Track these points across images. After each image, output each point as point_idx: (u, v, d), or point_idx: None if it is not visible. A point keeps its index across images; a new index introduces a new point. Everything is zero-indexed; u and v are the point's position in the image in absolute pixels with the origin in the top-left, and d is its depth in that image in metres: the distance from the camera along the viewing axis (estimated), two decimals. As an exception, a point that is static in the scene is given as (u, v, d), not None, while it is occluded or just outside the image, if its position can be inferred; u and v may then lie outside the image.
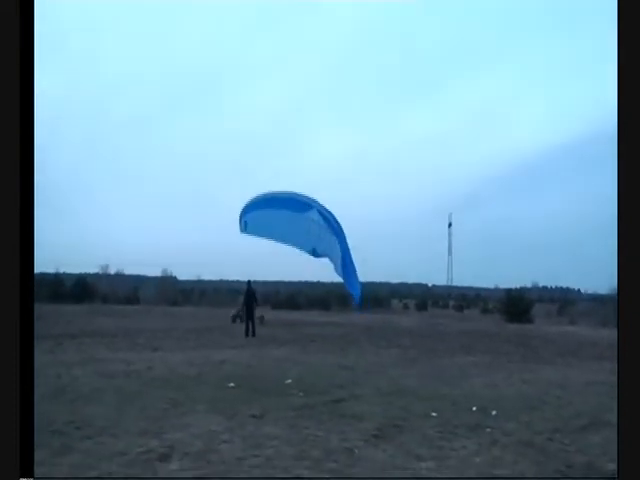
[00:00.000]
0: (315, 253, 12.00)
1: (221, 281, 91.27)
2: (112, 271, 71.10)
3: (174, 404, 8.02)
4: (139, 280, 78.99)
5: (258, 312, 23.59)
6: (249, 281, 21.85)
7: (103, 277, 70.15)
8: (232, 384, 9.61)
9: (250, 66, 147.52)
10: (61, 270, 65.85)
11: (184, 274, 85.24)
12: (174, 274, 76.42)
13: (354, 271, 11.85)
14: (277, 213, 11.84)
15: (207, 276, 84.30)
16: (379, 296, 73.42)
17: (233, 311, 28.13)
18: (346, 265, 11.59)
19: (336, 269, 11.75)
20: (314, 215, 11.56)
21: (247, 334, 20.07)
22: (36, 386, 8.90)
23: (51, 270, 65.05)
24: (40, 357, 13.09)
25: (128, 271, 75.38)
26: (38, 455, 5.41)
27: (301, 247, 12.17)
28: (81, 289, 57.64)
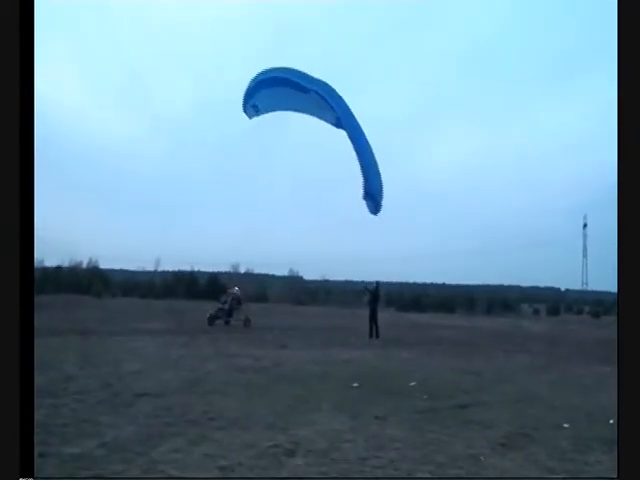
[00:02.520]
0: (339, 123, 11.27)
1: (347, 281, 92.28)
2: (242, 270, 74.19)
3: (300, 401, 8.21)
4: (267, 279, 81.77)
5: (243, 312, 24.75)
6: (377, 282, 21.77)
7: (234, 275, 73.36)
8: (356, 384, 9.67)
9: (376, 69, 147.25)
10: (196, 268, 69.76)
11: (310, 274, 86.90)
12: (300, 274, 78.37)
13: (374, 167, 11.18)
14: (285, 90, 11.10)
15: (333, 276, 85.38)
16: (508, 300, 70.66)
17: (211, 311, 25.32)
18: (366, 159, 11.02)
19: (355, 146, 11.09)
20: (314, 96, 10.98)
21: (371, 335, 20.04)
22: (173, 378, 9.61)
23: (187, 268, 69.04)
24: (177, 350, 13.96)
25: (257, 270, 78.24)
26: (175, 443, 5.78)
27: (324, 118, 11.51)
28: (213, 287, 60.70)
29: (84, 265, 67.32)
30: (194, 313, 29.82)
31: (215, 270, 71.68)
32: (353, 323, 26.65)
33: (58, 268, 65.63)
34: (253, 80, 11.13)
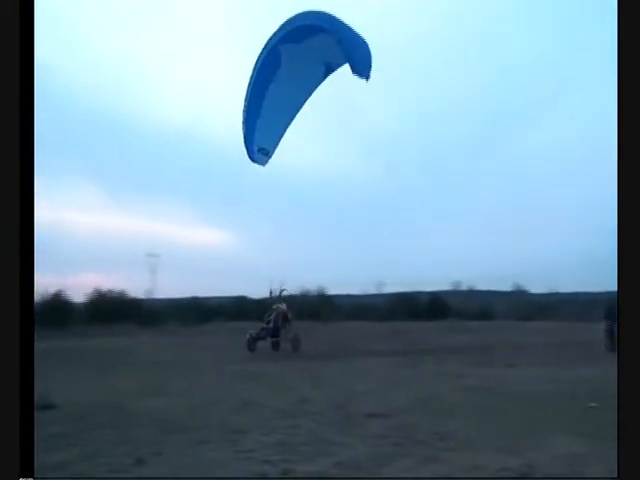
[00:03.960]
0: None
1: (577, 293, 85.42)
2: (464, 287, 72.65)
3: (533, 422, 7.84)
4: (491, 295, 79.01)
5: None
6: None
7: (456, 294, 72.17)
8: (594, 404, 8.93)
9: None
10: (417, 289, 70.01)
11: (537, 287, 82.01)
12: (526, 288, 74.41)
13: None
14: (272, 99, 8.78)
15: (563, 288, 79.50)
16: None
17: (251, 331, 21.28)
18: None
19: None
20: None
21: (609, 349, 18.44)
22: (401, 398, 9.78)
23: (408, 289, 69.72)
24: (403, 371, 14.18)
25: (480, 287, 76.07)
26: (405, 463, 5.89)
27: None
28: (435, 306, 60.36)
29: (313, 292, 71.58)
30: (417, 334, 30.03)
31: (436, 289, 71.28)
32: (586, 338, 24.61)
33: (291, 296, 70.52)
34: (244, 121, 8.95)
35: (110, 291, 41.66)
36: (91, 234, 64.86)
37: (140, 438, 7.21)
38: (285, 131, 9.12)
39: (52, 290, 37.91)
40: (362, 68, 7.62)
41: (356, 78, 7.56)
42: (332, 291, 68.52)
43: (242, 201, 67.03)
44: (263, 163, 9.17)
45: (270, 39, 8.48)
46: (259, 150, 8.96)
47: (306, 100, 9.04)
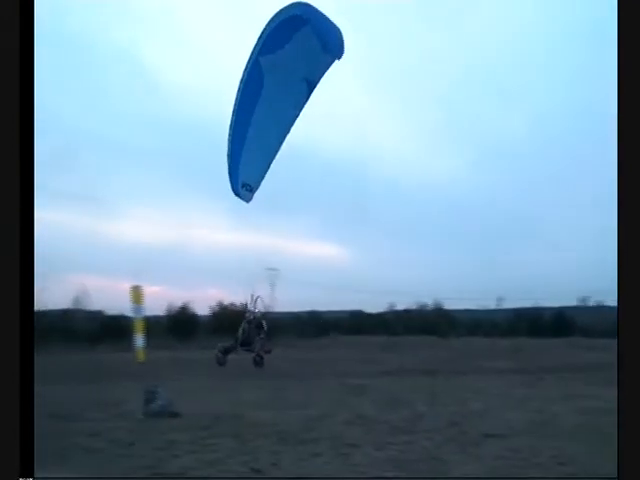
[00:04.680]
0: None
1: None
2: (592, 303, 68.53)
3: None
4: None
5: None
6: None
7: (583, 309, 68.26)
8: None
9: None
10: (540, 304, 66.86)
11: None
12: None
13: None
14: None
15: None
16: None
17: (220, 345, 18.95)
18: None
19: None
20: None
21: None
22: (519, 419, 9.42)
23: (530, 304, 66.74)
24: (522, 390, 13.64)
25: (609, 302, 71.33)
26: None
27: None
28: (559, 322, 57.42)
29: (430, 306, 70.50)
30: (538, 351, 28.71)
31: (561, 305, 67.77)
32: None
33: (407, 311, 70.01)
34: (228, 154, 8.46)
35: (232, 304, 43.42)
36: (215, 250, 67.94)
37: (258, 448, 7.50)
38: (270, 164, 8.60)
39: (179, 304, 40.17)
40: (335, 48, 7.14)
41: None
42: (449, 306, 67.14)
43: (358, 215, 67.51)
44: (247, 199, 8.64)
45: (252, 51, 7.91)
46: (243, 186, 8.47)
47: (291, 125, 8.39)
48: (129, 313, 23.96)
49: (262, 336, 16.92)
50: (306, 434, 8.38)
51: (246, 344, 17.58)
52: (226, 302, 43.24)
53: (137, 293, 22.35)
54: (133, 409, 10.52)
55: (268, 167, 8.58)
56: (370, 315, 54.17)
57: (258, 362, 17.71)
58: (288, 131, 8.39)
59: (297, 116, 8.27)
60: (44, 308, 31.94)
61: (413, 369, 19.81)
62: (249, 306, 17.48)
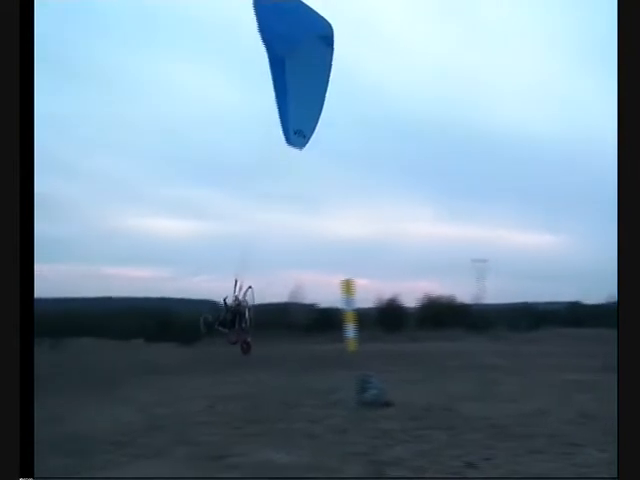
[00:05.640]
0: None
1: None
2: None
3: None
4: None
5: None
6: None
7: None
8: None
9: None
10: None
11: None
12: None
13: None
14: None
15: None
16: None
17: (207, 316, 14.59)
18: None
19: None
20: None
21: None
22: None
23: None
24: None
25: None
26: None
27: None
28: None
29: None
30: None
31: None
32: None
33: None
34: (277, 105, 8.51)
35: (440, 297, 43.07)
36: (422, 242, 67.89)
37: (471, 442, 7.35)
38: (321, 109, 8.84)
39: (387, 296, 40.81)
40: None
41: None
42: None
43: (572, 203, 62.62)
44: (300, 145, 8.61)
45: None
46: (295, 133, 8.52)
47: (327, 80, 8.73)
48: (341, 305, 24.86)
49: (243, 325, 15.64)
50: (521, 429, 8.02)
51: (222, 325, 17.04)
52: (434, 294, 43.05)
53: (348, 286, 23.10)
54: (347, 397, 10.93)
55: (319, 113, 8.88)
56: (589, 306, 49.83)
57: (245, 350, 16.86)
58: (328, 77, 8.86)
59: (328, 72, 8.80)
60: (264, 302, 34.53)
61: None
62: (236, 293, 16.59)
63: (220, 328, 14.81)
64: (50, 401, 10.59)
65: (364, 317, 28.16)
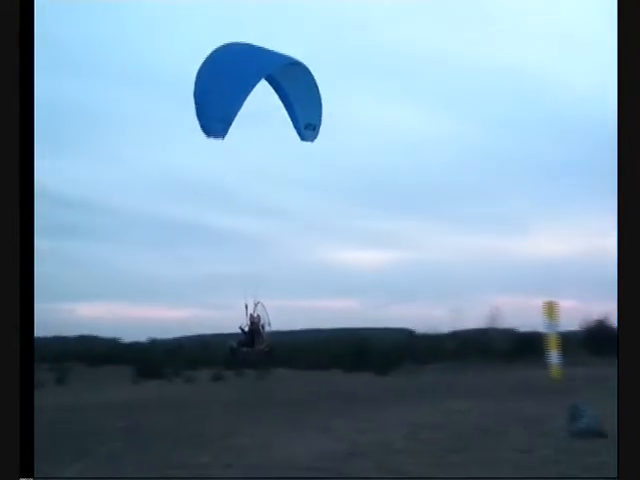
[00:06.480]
0: None
1: None
2: None
3: None
4: None
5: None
6: None
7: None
8: None
9: None
10: None
11: None
12: None
13: None
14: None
15: None
16: None
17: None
18: None
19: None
20: None
21: None
22: None
23: None
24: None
25: None
26: None
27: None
28: None
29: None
30: None
31: None
32: None
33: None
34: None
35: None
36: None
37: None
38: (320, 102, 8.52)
39: (595, 317, 37.66)
40: None
41: None
42: None
43: None
44: (311, 139, 8.54)
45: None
46: (306, 127, 8.48)
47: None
48: (542, 329, 23.75)
49: (261, 340, 16.02)
50: None
51: (244, 345, 17.34)
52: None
53: (551, 308, 22.16)
54: (557, 426, 10.34)
55: (320, 102, 8.68)
56: None
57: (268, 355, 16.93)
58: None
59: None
60: (462, 328, 33.85)
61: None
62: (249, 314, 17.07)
63: (244, 349, 16.83)
64: (259, 429, 11.77)
65: (569, 340, 26.32)
